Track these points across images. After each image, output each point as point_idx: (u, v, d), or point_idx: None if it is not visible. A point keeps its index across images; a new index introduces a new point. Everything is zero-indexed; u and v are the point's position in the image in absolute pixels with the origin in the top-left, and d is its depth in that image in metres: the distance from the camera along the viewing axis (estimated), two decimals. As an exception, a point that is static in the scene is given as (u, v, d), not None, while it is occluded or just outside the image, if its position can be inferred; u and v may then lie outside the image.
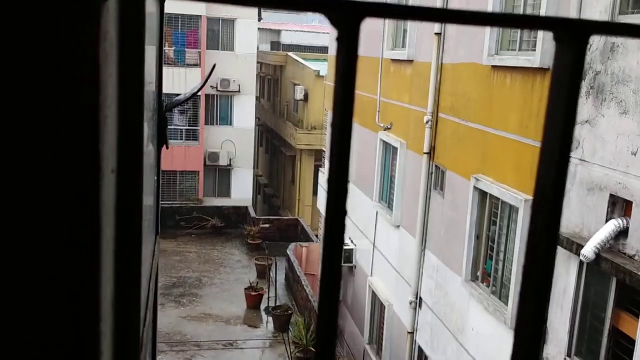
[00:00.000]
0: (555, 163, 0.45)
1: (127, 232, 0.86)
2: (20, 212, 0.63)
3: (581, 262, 6.84)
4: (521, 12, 8.66)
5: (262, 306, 18.35)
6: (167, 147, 1.93)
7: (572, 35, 0.42)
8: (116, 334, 0.86)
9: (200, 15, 26.25)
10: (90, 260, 0.67)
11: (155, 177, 1.87)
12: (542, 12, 7.80)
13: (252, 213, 26.18)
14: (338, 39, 0.44)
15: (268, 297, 18.21)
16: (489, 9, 9.09)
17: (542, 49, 7.79)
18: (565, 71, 0.42)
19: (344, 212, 0.47)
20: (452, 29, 10.56)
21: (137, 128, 0.88)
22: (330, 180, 0.46)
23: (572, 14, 7.18)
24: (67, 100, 0.61)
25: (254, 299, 18.33)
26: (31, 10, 0.58)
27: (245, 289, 18.62)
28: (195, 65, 26.36)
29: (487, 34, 9.09)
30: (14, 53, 0.59)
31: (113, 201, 0.79)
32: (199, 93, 25.28)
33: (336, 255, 0.46)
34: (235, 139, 27.83)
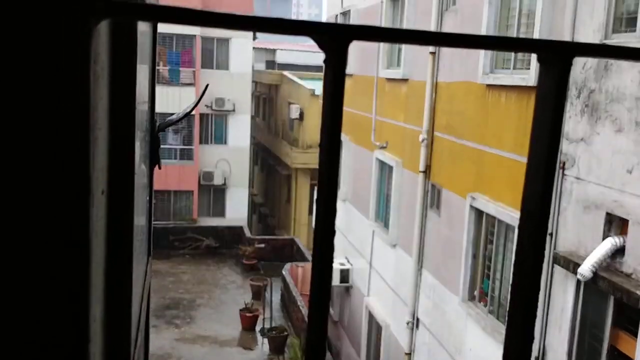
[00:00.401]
0: (540, 181, 0.45)
1: (118, 254, 0.86)
2: (7, 235, 0.63)
3: (579, 281, 6.83)
4: (515, 31, 8.73)
5: (258, 328, 18.19)
6: (159, 168, 1.92)
7: (556, 57, 0.42)
8: (106, 357, 0.85)
9: (195, 35, 26.37)
10: (78, 282, 0.66)
11: (148, 198, 1.86)
12: (536, 31, 7.86)
13: (247, 233, 26.05)
14: (326, 62, 0.45)
15: (263, 319, 18.06)
16: (483, 27, 9.16)
17: (536, 68, 7.84)
18: (549, 92, 0.43)
19: (332, 231, 0.47)
20: (446, 48, 10.63)
21: (128, 149, 0.88)
22: (319, 198, 0.46)
23: (566, 32, 7.24)
24: (57, 123, 0.61)
25: (249, 321, 18.17)
26: (22, 35, 0.58)
27: (240, 310, 18.47)
28: (190, 84, 26.43)
29: (482, 52, 9.15)
30: (3, 74, 0.59)
31: (104, 222, 0.79)
32: (193, 112, 25.31)
33: (326, 266, 0.46)
34: (230, 158, 27.82)
